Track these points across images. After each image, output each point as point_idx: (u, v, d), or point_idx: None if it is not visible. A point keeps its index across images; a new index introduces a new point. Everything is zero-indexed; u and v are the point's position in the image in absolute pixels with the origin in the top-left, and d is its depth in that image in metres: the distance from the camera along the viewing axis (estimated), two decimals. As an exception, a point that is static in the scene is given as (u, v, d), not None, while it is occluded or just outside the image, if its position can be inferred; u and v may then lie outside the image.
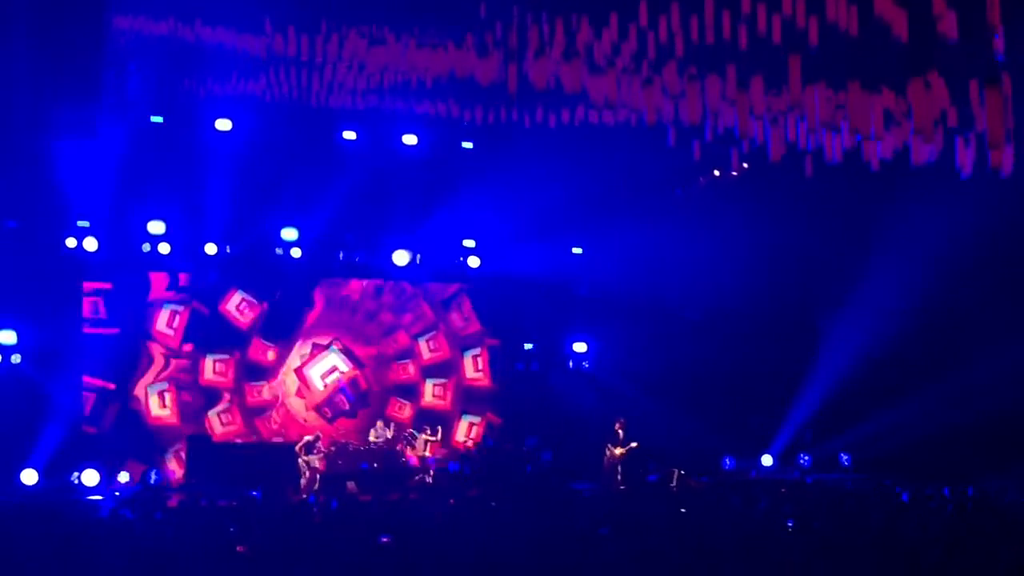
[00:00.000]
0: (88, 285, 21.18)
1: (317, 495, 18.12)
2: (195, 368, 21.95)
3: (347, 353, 22.80)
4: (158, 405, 21.60)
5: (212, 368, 22.03)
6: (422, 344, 23.52)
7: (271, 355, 22.39)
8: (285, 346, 22.53)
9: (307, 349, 22.66)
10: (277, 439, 22.07)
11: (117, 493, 19.35)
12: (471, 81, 17.01)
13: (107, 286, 21.30)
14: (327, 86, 18.38)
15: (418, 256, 23.00)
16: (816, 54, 12.49)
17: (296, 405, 22.51)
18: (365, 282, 23.23)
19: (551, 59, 14.30)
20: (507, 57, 15.15)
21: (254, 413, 22.22)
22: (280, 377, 22.47)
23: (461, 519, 14.04)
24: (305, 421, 22.33)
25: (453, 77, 17.03)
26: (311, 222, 22.01)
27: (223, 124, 20.97)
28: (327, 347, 22.75)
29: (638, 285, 22.96)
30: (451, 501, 16.94)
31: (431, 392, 23.37)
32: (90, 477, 19.61)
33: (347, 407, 22.68)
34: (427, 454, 21.27)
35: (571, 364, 24.04)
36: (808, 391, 22.64)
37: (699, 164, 20.89)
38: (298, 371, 22.56)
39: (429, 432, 21.68)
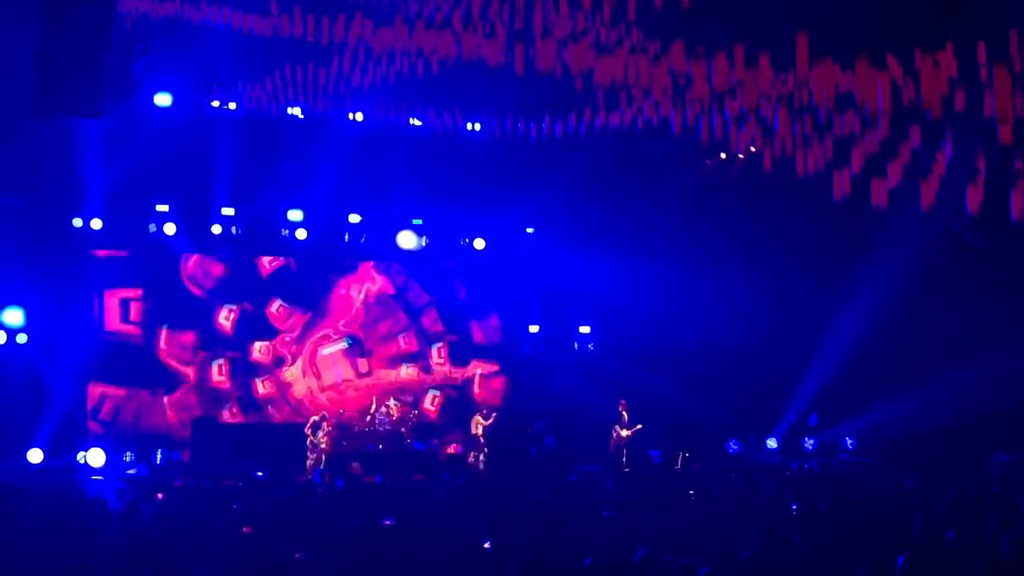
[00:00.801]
0: (127, 291, 21.49)
1: (322, 475, 18.18)
2: (211, 312, 22.14)
3: (358, 344, 22.98)
4: (164, 340, 21.77)
5: (225, 315, 22.25)
6: (433, 351, 23.67)
7: (284, 317, 22.54)
8: (300, 315, 22.67)
9: (323, 333, 22.80)
10: (268, 403, 22.22)
11: (130, 471, 19.48)
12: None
13: (138, 292, 21.57)
14: (334, 78, 18.37)
15: (424, 238, 23.05)
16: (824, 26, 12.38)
17: (299, 380, 22.66)
18: (385, 278, 23.37)
19: (557, 40, 14.22)
20: (513, 37, 15.07)
21: (252, 371, 22.34)
22: (291, 349, 22.61)
23: (465, 502, 14.09)
24: (307, 398, 22.44)
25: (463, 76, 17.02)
26: (317, 204, 22.03)
27: (230, 104, 20.92)
28: (342, 337, 22.93)
29: (642, 275, 22.95)
30: (460, 482, 17.02)
31: (429, 400, 23.43)
32: (95, 457, 19.66)
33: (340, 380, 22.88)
34: (479, 433, 21.37)
35: (576, 346, 24.11)
36: (813, 375, 22.62)
37: (706, 148, 20.90)
38: (311, 352, 22.73)
39: (484, 413, 21.81)
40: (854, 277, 21.68)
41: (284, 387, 22.53)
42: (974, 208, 13.55)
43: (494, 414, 21.84)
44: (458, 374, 23.75)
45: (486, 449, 21.17)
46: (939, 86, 12.16)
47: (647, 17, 13.95)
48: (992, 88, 11.31)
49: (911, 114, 14.26)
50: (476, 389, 23.79)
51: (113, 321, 21.44)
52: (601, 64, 14.96)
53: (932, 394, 20.57)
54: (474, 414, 21.88)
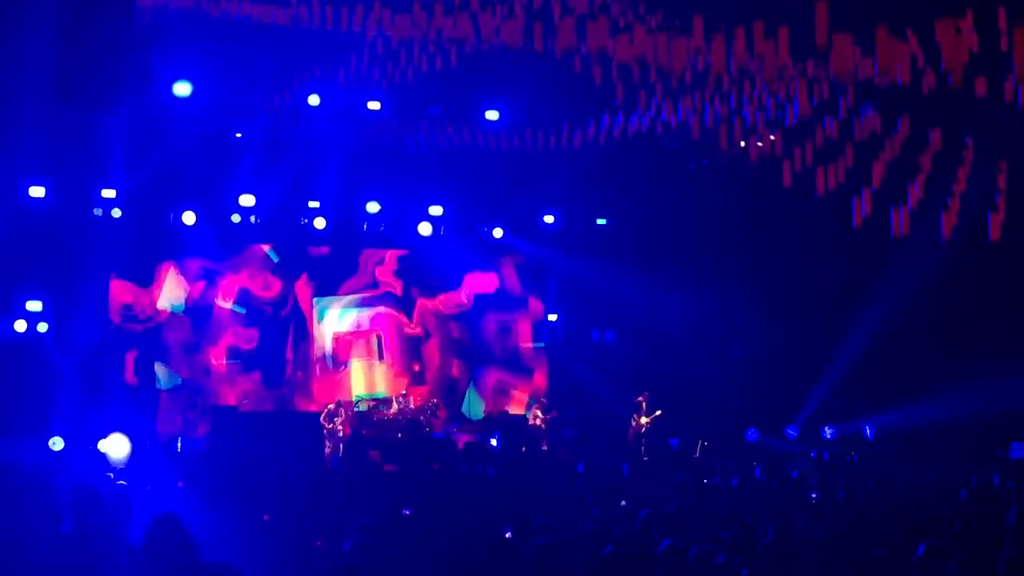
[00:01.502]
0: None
1: (341, 463, 18.21)
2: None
3: (379, 335, 23.21)
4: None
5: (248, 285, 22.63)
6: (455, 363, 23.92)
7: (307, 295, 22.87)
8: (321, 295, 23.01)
9: (350, 327, 23.07)
10: (286, 381, 22.51)
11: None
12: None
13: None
14: (353, 69, 18.40)
15: (442, 228, 23.10)
16: None
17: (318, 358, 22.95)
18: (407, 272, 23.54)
19: (575, 17, 14.15)
20: (531, 16, 14.99)
21: (271, 344, 22.61)
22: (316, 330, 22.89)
23: (485, 491, 14.12)
24: (325, 379, 22.67)
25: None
26: (333, 193, 22.07)
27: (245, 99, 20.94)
28: (370, 334, 23.18)
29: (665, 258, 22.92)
30: (479, 471, 17.08)
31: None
32: (115, 444, 19.70)
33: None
34: (539, 423, 21.56)
35: (594, 336, 24.13)
36: (834, 364, 22.53)
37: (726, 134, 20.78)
38: (336, 336, 23.01)
39: (543, 403, 21.97)
40: (876, 269, 21.53)
41: (300, 362, 22.73)
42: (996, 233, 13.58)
43: (553, 411, 22.01)
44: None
45: (546, 439, 21.40)
46: (960, 56, 12.04)
47: None
48: (1012, 56, 11.22)
49: (932, 112, 14.15)
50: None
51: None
52: (619, 43, 14.86)
53: (950, 384, 20.49)
54: (532, 405, 22.25)
